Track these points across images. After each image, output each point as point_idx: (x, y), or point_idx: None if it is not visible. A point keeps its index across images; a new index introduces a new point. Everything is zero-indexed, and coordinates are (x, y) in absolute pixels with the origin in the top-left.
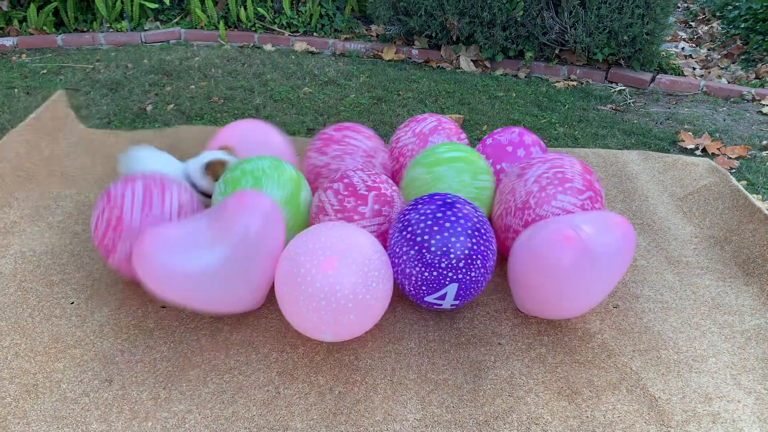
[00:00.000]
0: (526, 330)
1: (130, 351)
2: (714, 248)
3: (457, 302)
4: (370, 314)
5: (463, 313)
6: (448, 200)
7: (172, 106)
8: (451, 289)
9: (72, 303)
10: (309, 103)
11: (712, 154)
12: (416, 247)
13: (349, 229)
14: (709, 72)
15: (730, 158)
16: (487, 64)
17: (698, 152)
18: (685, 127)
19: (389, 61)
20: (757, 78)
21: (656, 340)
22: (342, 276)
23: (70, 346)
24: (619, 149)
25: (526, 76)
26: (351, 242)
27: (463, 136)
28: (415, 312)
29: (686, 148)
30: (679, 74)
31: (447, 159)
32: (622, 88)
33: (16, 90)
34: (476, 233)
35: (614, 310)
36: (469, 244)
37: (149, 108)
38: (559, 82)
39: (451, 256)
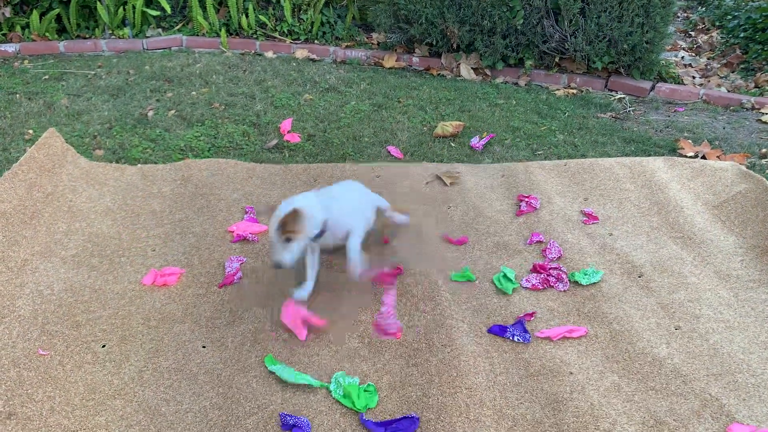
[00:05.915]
0: (593, 358)
1: (176, 399)
2: (762, 259)
3: None
4: None
5: (525, 343)
6: None
7: (173, 111)
8: None
9: (103, 346)
10: (310, 110)
11: None
12: None
13: None
14: (709, 81)
15: None
16: (488, 71)
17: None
18: (685, 134)
19: (390, 68)
20: (756, 87)
21: (728, 363)
22: None
23: (109, 397)
24: (641, 157)
25: (526, 84)
26: None
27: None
28: (476, 344)
29: (686, 156)
30: (678, 83)
31: None
32: (622, 96)
33: (17, 95)
34: None
35: (678, 332)
36: None
37: (150, 114)
38: (559, 90)
39: None
